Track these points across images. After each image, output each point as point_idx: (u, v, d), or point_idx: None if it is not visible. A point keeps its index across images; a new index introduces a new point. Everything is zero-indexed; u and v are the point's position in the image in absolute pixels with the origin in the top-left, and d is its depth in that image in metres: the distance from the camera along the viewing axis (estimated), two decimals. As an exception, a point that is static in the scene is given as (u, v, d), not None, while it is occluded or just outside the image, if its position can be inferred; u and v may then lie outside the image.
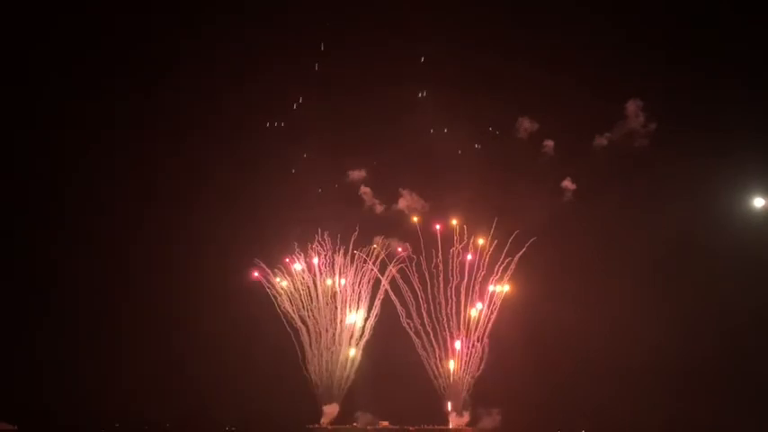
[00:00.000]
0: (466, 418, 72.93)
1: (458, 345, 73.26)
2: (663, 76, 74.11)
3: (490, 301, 73.46)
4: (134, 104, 77.73)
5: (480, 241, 73.96)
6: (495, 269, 73.51)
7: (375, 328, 74.88)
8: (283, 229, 75.98)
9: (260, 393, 72.49)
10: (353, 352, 74.82)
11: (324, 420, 73.70)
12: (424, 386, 73.29)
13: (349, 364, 74.51)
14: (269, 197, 78.18)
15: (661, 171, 73.97)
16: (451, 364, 73.37)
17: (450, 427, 73.01)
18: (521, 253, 72.70)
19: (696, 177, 71.63)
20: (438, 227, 74.87)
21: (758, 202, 66.90)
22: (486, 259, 73.80)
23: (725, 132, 69.91)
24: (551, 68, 74.40)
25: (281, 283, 75.32)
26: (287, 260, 76.10)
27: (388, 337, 74.56)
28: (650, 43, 74.30)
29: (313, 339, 74.64)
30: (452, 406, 73.44)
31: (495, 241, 73.50)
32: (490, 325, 73.02)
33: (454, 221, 74.73)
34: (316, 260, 75.73)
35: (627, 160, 75.42)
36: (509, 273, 73.51)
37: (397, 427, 73.59)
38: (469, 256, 73.89)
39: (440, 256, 73.72)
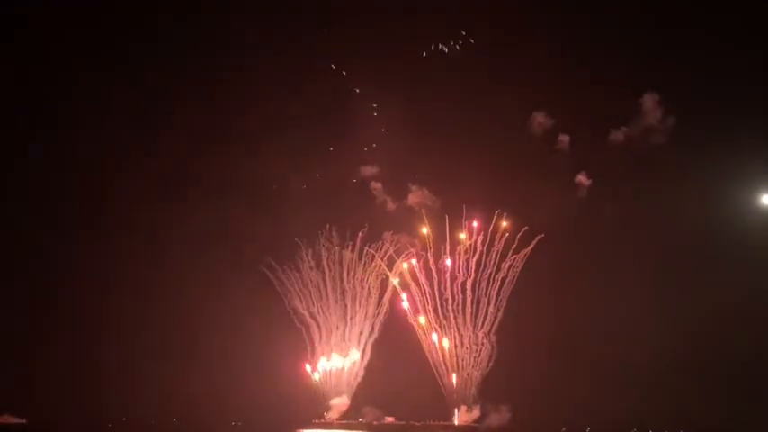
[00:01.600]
0: (475, 414, 72.74)
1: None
2: (681, 71, 72.33)
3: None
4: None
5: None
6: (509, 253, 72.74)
7: (384, 325, 74.87)
8: (291, 226, 75.63)
9: (266, 388, 72.70)
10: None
11: (332, 414, 74.02)
12: (432, 382, 73.30)
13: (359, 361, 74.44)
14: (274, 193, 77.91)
15: (677, 166, 72.82)
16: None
17: (456, 423, 73.05)
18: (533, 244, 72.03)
19: (713, 174, 70.35)
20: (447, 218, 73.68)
21: (772, 199, 65.99)
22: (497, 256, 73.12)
23: (742, 129, 68.47)
24: (567, 62, 72.73)
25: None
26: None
27: (396, 334, 74.56)
28: (668, 36, 72.84)
29: (323, 335, 74.86)
30: (461, 401, 73.41)
31: (507, 234, 72.69)
32: (498, 321, 72.60)
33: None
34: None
35: (643, 155, 73.94)
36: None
37: (403, 422, 73.91)
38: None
39: (447, 252, 73.14)
